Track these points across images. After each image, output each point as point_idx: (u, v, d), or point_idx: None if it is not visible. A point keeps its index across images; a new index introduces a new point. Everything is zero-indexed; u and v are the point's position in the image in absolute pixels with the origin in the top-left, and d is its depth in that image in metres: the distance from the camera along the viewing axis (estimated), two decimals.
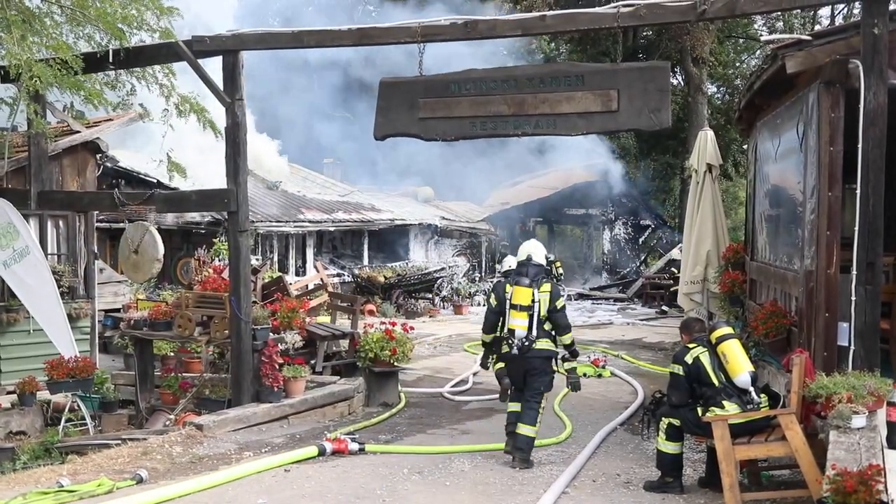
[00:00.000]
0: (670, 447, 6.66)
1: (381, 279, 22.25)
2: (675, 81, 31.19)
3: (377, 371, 10.30)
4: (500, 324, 7.75)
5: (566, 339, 7.74)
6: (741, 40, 33.87)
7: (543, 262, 7.96)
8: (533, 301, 7.47)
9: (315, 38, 8.97)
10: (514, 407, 7.72)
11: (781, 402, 6.42)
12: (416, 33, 8.33)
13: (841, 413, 5.32)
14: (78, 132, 12.44)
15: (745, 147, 20.55)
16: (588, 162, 31.28)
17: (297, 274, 21.38)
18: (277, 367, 9.13)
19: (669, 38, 28.17)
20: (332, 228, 22.82)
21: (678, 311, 17.42)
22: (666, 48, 28.71)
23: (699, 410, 6.43)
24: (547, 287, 7.62)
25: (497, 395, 10.55)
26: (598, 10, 8.56)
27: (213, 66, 9.24)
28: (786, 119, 8.83)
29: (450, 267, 24.68)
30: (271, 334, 9.51)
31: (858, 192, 6.74)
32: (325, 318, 13.24)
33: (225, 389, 9.68)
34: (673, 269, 23.04)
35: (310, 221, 21.87)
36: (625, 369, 12.83)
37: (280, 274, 15.92)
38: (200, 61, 9.08)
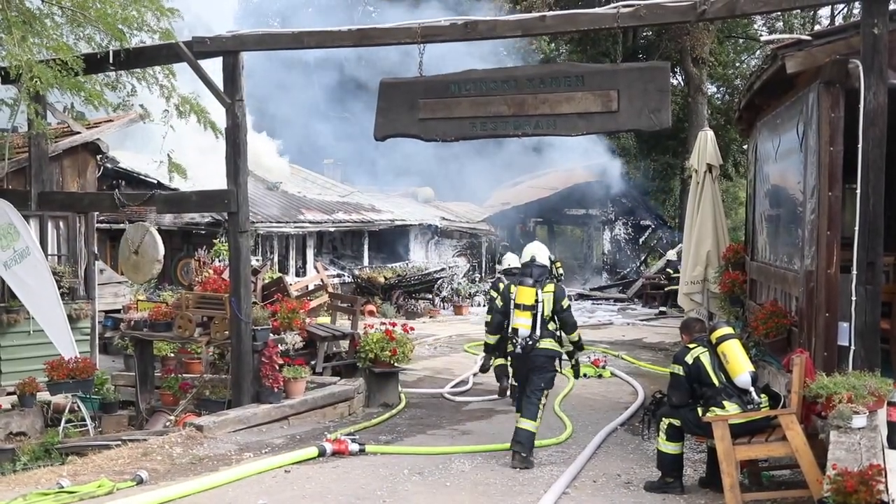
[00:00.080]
0: (671, 447, 6.66)
1: (382, 280, 22.25)
2: (675, 82, 31.22)
3: (377, 372, 10.30)
4: (505, 325, 7.89)
5: (574, 336, 7.94)
6: (741, 40, 33.90)
7: (547, 263, 8.11)
8: (536, 301, 7.59)
9: (315, 38, 8.97)
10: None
11: (782, 403, 6.41)
12: (416, 34, 8.32)
13: (841, 413, 5.32)
14: (78, 133, 12.45)
15: (745, 147, 20.54)
16: (588, 162, 31.28)
17: (297, 275, 21.38)
18: (278, 367, 9.12)
19: (669, 38, 28.21)
20: (332, 229, 22.83)
21: (678, 312, 17.41)
22: (666, 48, 28.74)
23: (699, 411, 6.42)
24: (551, 288, 7.75)
25: (497, 396, 10.66)
26: (598, 10, 8.57)
27: (214, 67, 9.24)
28: (786, 119, 8.84)
29: (450, 267, 24.69)
30: (271, 335, 9.50)
31: (858, 191, 6.74)
32: (325, 319, 13.24)
33: (225, 390, 9.68)
34: (668, 269, 23.01)
35: (310, 222, 21.88)
36: (625, 370, 12.82)
37: (280, 275, 15.93)
38: (200, 62, 9.08)
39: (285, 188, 23.73)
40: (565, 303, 7.79)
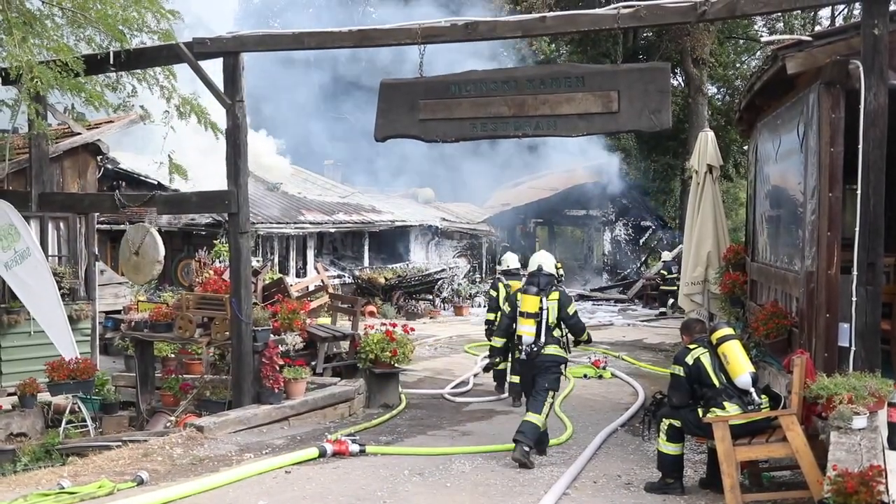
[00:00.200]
0: (671, 448, 6.66)
1: (382, 280, 22.25)
2: (675, 82, 31.21)
3: (378, 372, 10.30)
4: (512, 330, 8.10)
5: (583, 337, 8.14)
6: (741, 41, 33.89)
7: (553, 271, 8.25)
8: (541, 309, 7.78)
9: (315, 39, 8.97)
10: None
11: (782, 403, 6.41)
12: (416, 35, 8.32)
13: (842, 414, 5.32)
14: (79, 134, 12.46)
15: (745, 148, 20.55)
16: (588, 163, 31.28)
17: (297, 275, 21.39)
18: (278, 368, 9.12)
19: (670, 39, 28.21)
20: (332, 230, 22.82)
21: (679, 313, 17.41)
22: (666, 49, 28.73)
23: (700, 411, 6.42)
24: (555, 295, 7.92)
25: (496, 397, 10.68)
26: (598, 11, 8.57)
27: (214, 68, 9.24)
28: (786, 120, 8.84)
29: (450, 268, 24.70)
30: (272, 336, 9.50)
31: (859, 192, 6.75)
32: (325, 320, 13.25)
33: (225, 391, 9.68)
34: (663, 272, 23.00)
35: (310, 223, 21.88)
36: (625, 370, 12.82)
37: (281, 275, 15.95)
38: (201, 63, 9.08)
39: (286, 189, 23.74)
40: (571, 309, 7.96)
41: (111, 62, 9.13)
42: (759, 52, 29.93)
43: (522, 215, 31.76)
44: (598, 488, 6.87)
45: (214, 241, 17.06)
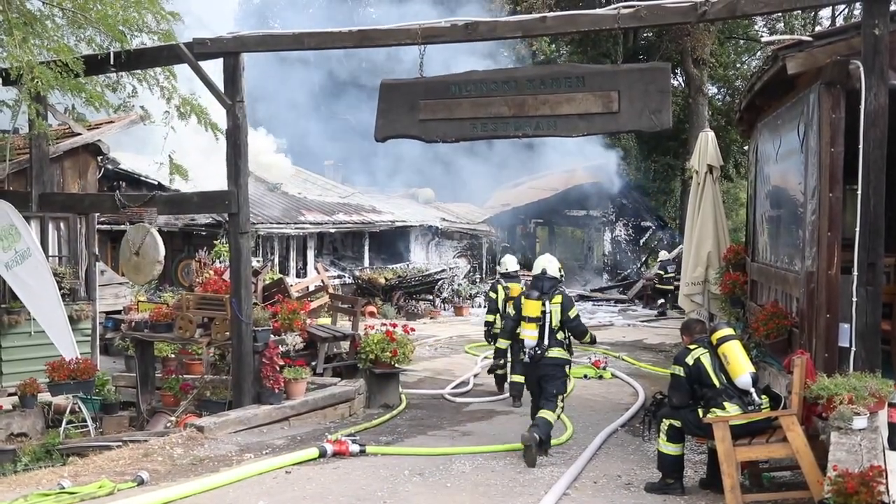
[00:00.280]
0: (671, 448, 6.66)
1: (382, 281, 22.25)
2: (675, 83, 31.23)
3: (378, 373, 10.30)
4: (517, 332, 8.24)
5: (586, 339, 8.29)
6: (742, 41, 33.92)
7: (557, 274, 8.37)
8: (543, 312, 7.93)
9: (316, 39, 8.97)
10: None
11: (782, 404, 6.41)
12: (416, 35, 8.32)
13: (842, 414, 5.32)
14: (79, 134, 12.46)
15: (745, 148, 20.54)
16: (588, 163, 31.27)
17: (297, 276, 21.40)
18: (278, 368, 9.12)
19: (670, 39, 28.24)
20: (332, 230, 22.83)
21: (679, 313, 17.41)
22: (667, 49, 28.76)
23: (700, 412, 6.42)
24: (558, 299, 8.06)
25: (497, 398, 10.68)
26: (598, 11, 8.57)
27: (215, 69, 9.24)
28: (786, 120, 8.83)
29: (450, 268, 24.71)
30: (272, 336, 9.50)
31: (859, 192, 6.74)
32: (325, 320, 13.25)
33: (226, 391, 9.68)
34: (659, 271, 22.99)
35: (310, 223, 21.89)
36: (626, 371, 12.82)
37: (281, 276, 15.96)
38: (201, 63, 9.08)
39: (286, 189, 23.75)
40: (572, 312, 8.07)
41: (111, 63, 9.13)
42: (759, 53, 29.98)
43: (522, 215, 31.77)
44: (599, 488, 6.87)
45: (215, 242, 17.07)
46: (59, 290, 10.98)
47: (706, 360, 6.48)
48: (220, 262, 13.35)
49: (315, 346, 10.93)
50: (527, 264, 25.70)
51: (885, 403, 5.59)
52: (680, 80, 31.72)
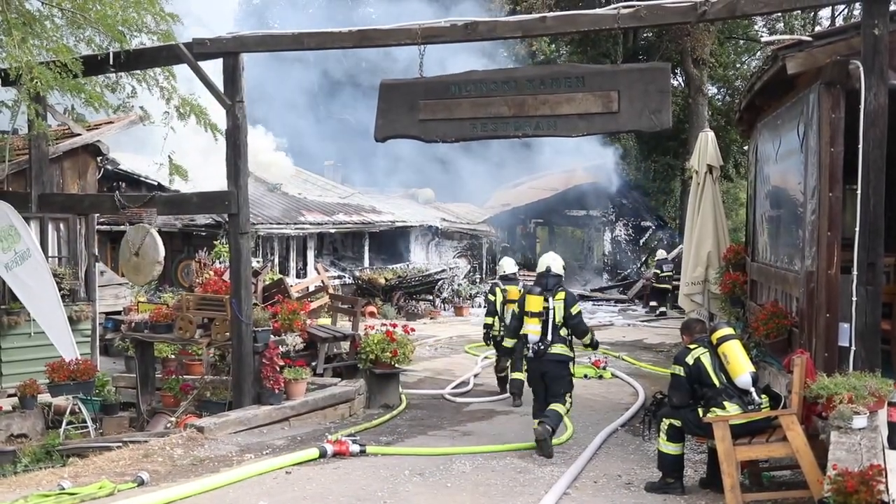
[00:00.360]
0: (671, 448, 6.66)
1: (382, 281, 22.26)
2: (675, 83, 31.23)
3: (378, 373, 10.30)
4: (521, 330, 8.31)
5: (586, 340, 8.37)
6: (742, 41, 33.91)
7: (561, 272, 8.45)
8: (545, 308, 8.02)
9: (315, 39, 8.97)
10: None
11: (782, 403, 6.41)
12: (416, 35, 8.33)
13: (842, 414, 5.32)
14: (78, 135, 12.46)
15: (745, 148, 20.55)
16: (588, 163, 31.27)
17: (297, 276, 21.39)
18: (278, 369, 9.12)
19: (670, 39, 28.23)
20: (332, 230, 22.83)
21: (679, 313, 17.41)
22: (666, 49, 28.75)
23: (700, 411, 6.42)
24: (561, 295, 8.14)
25: (497, 398, 10.68)
26: (598, 11, 8.58)
27: (215, 69, 9.24)
28: (786, 120, 8.84)
29: (450, 268, 24.71)
30: (272, 336, 9.50)
31: (859, 192, 6.75)
32: (325, 320, 13.25)
33: (226, 391, 9.68)
34: (656, 270, 22.98)
35: (310, 223, 21.89)
36: (626, 370, 12.83)
37: (281, 276, 15.96)
38: (200, 63, 9.08)
39: (286, 189, 23.75)
40: (575, 310, 8.13)
41: (111, 63, 9.13)
42: (759, 53, 29.95)
43: (522, 215, 31.77)
44: (599, 488, 6.87)
45: (214, 242, 17.07)
46: (59, 290, 10.98)
47: (706, 360, 6.48)
48: (219, 263, 13.35)
49: (315, 346, 10.93)
50: (527, 264, 25.77)
51: (885, 403, 5.59)
52: (680, 80, 31.71)
